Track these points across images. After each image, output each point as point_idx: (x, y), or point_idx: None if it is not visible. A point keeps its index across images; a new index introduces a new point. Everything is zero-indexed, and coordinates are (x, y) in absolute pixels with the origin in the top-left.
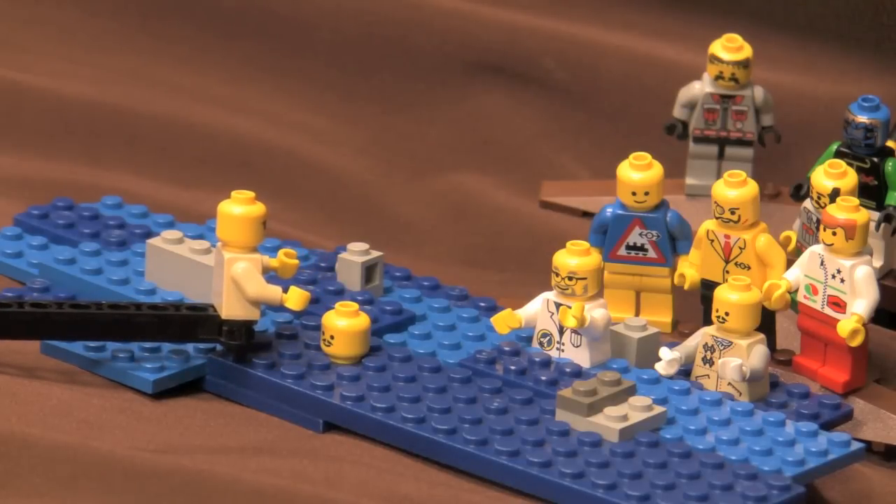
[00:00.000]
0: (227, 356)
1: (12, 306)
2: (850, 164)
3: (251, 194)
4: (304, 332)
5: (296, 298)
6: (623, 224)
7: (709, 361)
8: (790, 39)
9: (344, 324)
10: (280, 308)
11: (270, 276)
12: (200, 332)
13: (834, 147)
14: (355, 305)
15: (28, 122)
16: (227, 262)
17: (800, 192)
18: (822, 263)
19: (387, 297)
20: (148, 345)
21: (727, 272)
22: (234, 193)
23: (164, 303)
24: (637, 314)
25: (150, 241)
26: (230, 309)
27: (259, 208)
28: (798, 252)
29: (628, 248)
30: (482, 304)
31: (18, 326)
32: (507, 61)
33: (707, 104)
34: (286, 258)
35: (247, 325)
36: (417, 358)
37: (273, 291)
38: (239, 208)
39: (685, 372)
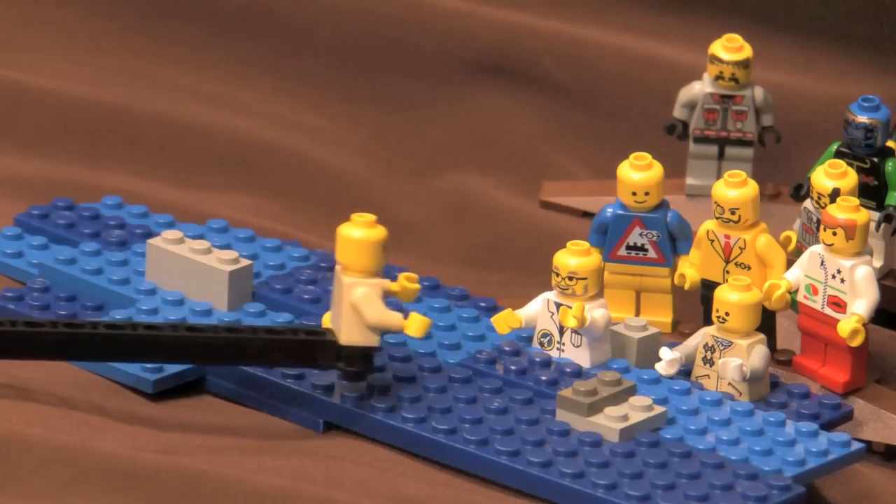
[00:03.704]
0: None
1: (126, 328)
2: (850, 165)
3: (372, 217)
4: None
5: (416, 325)
6: (623, 224)
7: (709, 361)
8: (790, 39)
9: None
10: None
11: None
12: (318, 358)
13: (834, 147)
14: None
15: (28, 122)
16: (347, 286)
17: (800, 192)
18: (822, 263)
19: (387, 298)
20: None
21: (727, 272)
22: (354, 216)
23: (279, 326)
24: (637, 314)
25: (151, 241)
26: (349, 335)
27: (379, 232)
28: (798, 252)
29: (628, 248)
30: (482, 305)
31: (132, 347)
32: (507, 61)
33: (707, 104)
34: (407, 282)
35: (365, 352)
36: (418, 358)
37: (393, 318)
38: (359, 232)
39: (685, 372)
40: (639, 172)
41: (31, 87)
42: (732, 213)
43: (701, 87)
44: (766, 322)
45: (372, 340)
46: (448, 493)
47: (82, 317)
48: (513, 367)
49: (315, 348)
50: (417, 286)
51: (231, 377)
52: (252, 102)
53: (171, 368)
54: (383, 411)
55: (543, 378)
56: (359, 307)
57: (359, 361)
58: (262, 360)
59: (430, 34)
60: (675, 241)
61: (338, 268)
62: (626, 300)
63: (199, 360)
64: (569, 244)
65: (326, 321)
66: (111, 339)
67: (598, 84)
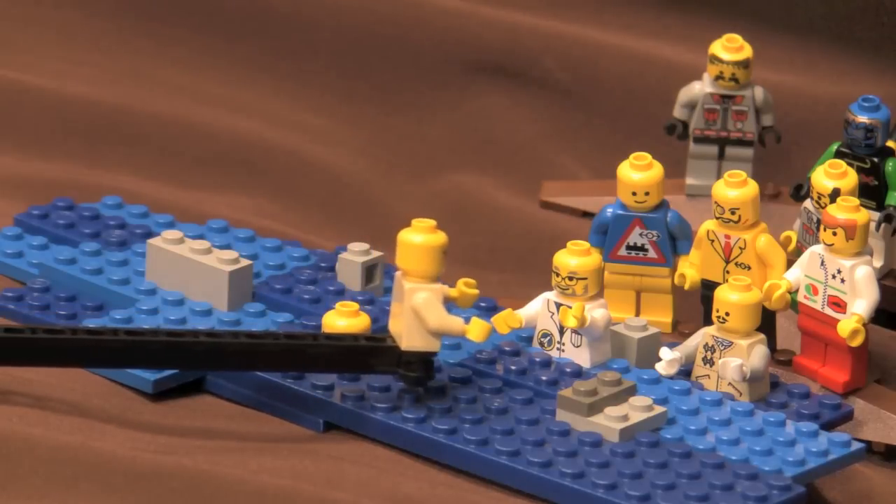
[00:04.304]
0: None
1: (187, 336)
2: (850, 165)
3: (432, 222)
4: None
5: (478, 330)
6: (623, 224)
7: (709, 361)
8: (790, 39)
9: (344, 324)
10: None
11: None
12: (377, 364)
13: (834, 147)
14: (356, 305)
15: (28, 122)
16: (408, 292)
17: (800, 192)
18: (822, 263)
19: (387, 298)
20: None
21: (727, 272)
22: (414, 222)
23: (339, 333)
24: (637, 314)
25: (151, 241)
26: (410, 340)
27: (440, 237)
28: (798, 252)
29: (628, 248)
30: (482, 304)
31: (190, 357)
32: (507, 61)
33: (707, 104)
34: (466, 288)
35: (425, 358)
36: None
37: (455, 322)
38: (419, 237)
39: (685, 372)
40: (639, 172)
41: (31, 87)
42: (732, 213)
43: (701, 87)
44: (766, 322)
45: (433, 346)
46: (448, 493)
47: (81, 317)
48: (513, 367)
49: (375, 354)
50: (476, 291)
51: (231, 377)
52: (252, 102)
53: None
54: (383, 411)
55: (543, 378)
56: (420, 312)
57: (419, 367)
58: (322, 367)
59: (430, 34)
60: (676, 241)
61: (398, 273)
62: (626, 300)
63: (260, 367)
64: (569, 244)
65: (326, 321)
66: (174, 346)
67: (598, 84)
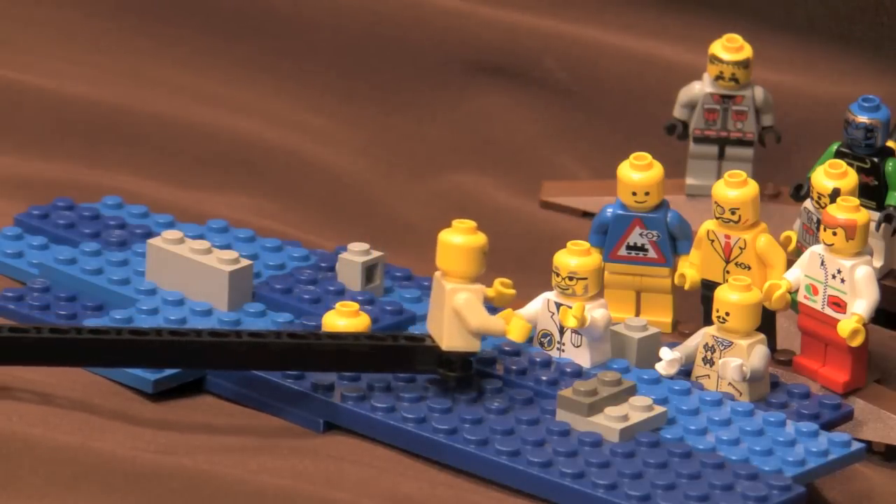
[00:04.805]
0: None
1: (230, 336)
2: (850, 165)
3: (472, 224)
4: None
5: (518, 330)
6: (623, 224)
7: (709, 361)
8: (790, 39)
9: (344, 324)
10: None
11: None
12: (417, 364)
13: (834, 147)
14: (356, 305)
15: (28, 122)
16: (449, 293)
17: (800, 192)
18: (822, 263)
19: (387, 297)
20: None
21: (727, 272)
22: (455, 223)
23: (380, 333)
24: (637, 314)
25: (151, 241)
26: (451, 340)
27: (480, 238)
28: (798, 252)
29: (629, 248)
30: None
31: (231, 357)
32: (507, 61)
33: (707, 104)
34: (503, 288)
35: (465, 357)
36: None
37: (496, 323)
38: (460, 238)
39: (685, 372)
40: (639, 172)
41: (31, 87)
42: (732, 213)
43: (701, 87)
44: (767, 322)
45: (473, 346)
46: (448, 493)
47: (81, 317)
48: (513, 367)
49: (415, 354)
50: (513, 291)
51: (231, 377)
52: (252, 102)
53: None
54: (383, 411)
55: (543, 378)
56: (461, 313)
57: (459, 366)
58: (363, 366)
59: (430, 34)
60: (676, 241)
61: (437, 274)
62: (627, 300)
63: (302, 366)
64: (569, 244)
65: (326, 321)
66: (216, 346)
67: (598, 84)
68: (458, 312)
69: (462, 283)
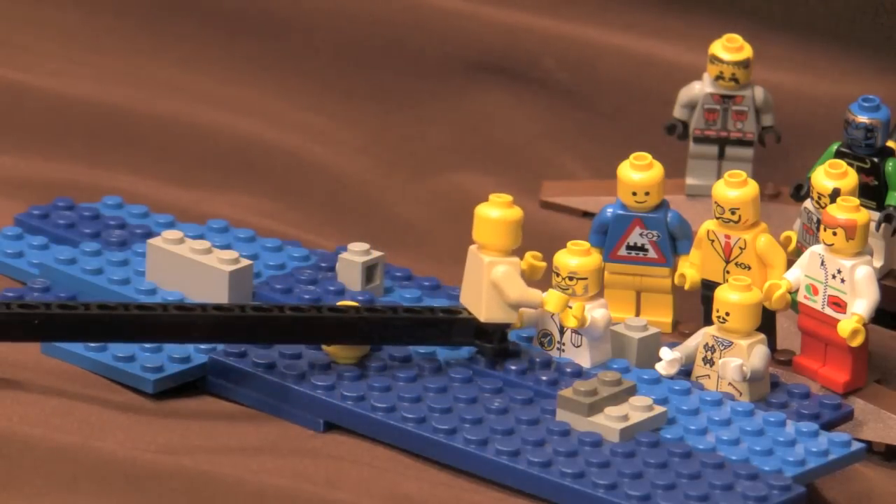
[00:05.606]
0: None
1: (273, 310)
2: (850, 165)
3: (509, 198)
4: None
5: (555, 301)
6: (623, 224)
7: (709, 361)
8: (790, 39)
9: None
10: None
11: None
12: (455, 336)
13: (834, 147)
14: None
15: (28, 122)
16: (487, 265)
17: (800, 192)
18: (822, 263)
19: (387, 297)
20: (149, 345)
21: (727, 272)
22: (492, 196)
23: (417, 306)
24: (637, 314)
25: (151, 241)
26: (490, 312)
27: (517, 212)
28: (798, 252)
29: (629, 248)
30: None
31: (280, 330)
32: (507, 61)
33: (707, 104)
34: (534, 261)
35: (502, 328)
36: (418, 358)
37: (534, 294)
38: (497, 212)
39: (686, 372)
40: (639, 172)
41: (31, 87)
42: (732, 213)
43: (701, 87)
44: (767, 322)
45: (511, 317)
46: (448, 493)
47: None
48: (513, 367)
49: (453, 326)
50: (544, 264)
51: (231, 377)
52: (252, 102)
53: (172, 368)
54: (383, 411)
55: (544, 378)
56: (500, 285)
57: (496, 338)
58: (402, 339)
59: (430, 34)
60: (676, 241)
61: (473, 247)
62: (627, 300)
63: (344, 339)
64: (569, 244)
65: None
66: (260, 321)
67: (598, 84)
68: (496, 285)
69: (499, 255)
